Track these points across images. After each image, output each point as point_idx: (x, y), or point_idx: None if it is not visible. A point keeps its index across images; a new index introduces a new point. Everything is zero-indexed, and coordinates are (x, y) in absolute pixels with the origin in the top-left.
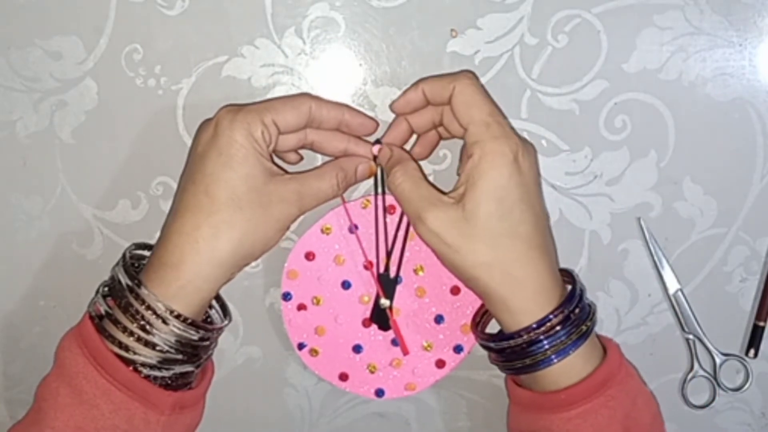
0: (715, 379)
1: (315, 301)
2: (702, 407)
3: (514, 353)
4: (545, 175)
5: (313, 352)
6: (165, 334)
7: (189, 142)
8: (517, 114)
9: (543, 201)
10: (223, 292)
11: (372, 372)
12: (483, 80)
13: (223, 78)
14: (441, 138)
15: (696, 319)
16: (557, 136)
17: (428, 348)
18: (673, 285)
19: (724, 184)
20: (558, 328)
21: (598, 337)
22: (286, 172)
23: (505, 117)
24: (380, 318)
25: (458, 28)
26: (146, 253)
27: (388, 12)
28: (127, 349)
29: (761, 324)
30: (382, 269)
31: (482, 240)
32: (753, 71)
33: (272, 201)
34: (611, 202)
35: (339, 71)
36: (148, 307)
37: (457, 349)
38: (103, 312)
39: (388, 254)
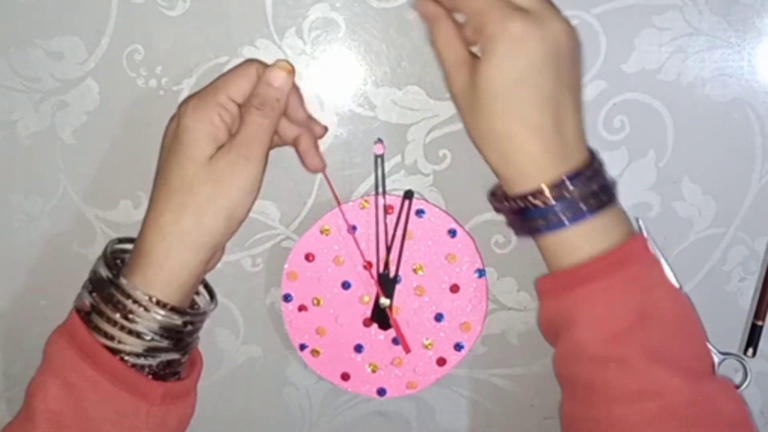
0: None
1: (315, 302)
2: None
3: (533, 211)
4: None
5: (315, 353)
6: (148, 322)
7: None
8: None
9: (562, 67)
10: (223, 292)
11: (373, 371)
12: None
13: None
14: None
15: None
16: None
17: (429, 346)
18: None
19: (723, 184)
20: (576, 189)
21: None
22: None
23: None
24: (381, 317)
25: None
26: (129, 246)
27: (388, 12)
28: (112, 338)
29: (760, 323)
30: (381, 269)
31: (501, 105)
32: (752, 72)
33: (221, 171)
34: None
35: (339, 72)
36: (129, 296)
37: (458, 346)
38: (88, 305)
39: (388, 254)
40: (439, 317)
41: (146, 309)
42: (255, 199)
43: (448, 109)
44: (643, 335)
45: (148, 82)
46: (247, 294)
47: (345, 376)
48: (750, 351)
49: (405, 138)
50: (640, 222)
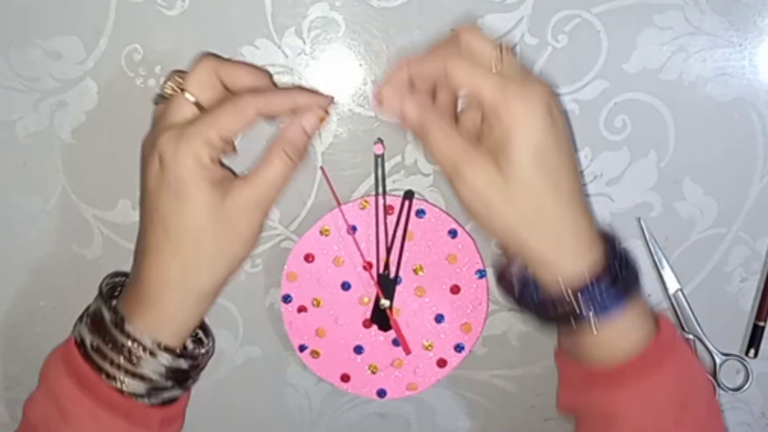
0: (715, 379)
1: (315, 302)
2: None
3: (554, 307)
4: None
5: (315, 354)
6: (154, 365)
7: None
8: None
9: (575, 147)
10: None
11: (373, 372)
12: None
13: None
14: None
15: (696, 319)
16: None
17: (429, 347)
18: (673, 285)
19: (724, 184)
20: (603, 282)
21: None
22: (234, 173)
23: (516, 57)
24: (381, 318)
25: (458, 28)
26: (119, 279)
27: (388, 12)
28: (114, 379)
29: (761, 324)
30: (381, 270)
31: (525, 200)
32: (753, 71)
33: (232, 219)
34: (611, 202)
35: (339, 71)
36: (135, 340)
37: (459, 348)
38: (88, 343)
39: (388, 254)
40: (439, 318)
41: (153, 354)
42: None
43: None
44: (686, 424)
45: (147, 81)
46: (247, 295)
47: (345, 378)
48: (751, 352)
49: (405, 138)
50: (641, 222)
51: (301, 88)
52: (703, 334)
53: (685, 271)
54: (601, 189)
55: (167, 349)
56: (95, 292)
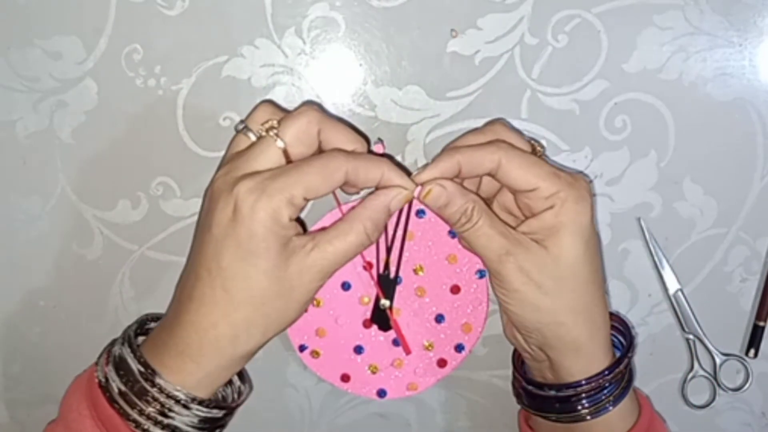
0: (715, 379)
1: (315, 302)
2: (702, 407)
3: (567, 401)
4: None
5: (315, 354)
6: (186, 417)
7: (189, 142)
8: (517, 114)
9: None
10: None
11: (374, 373)
12: (483, 80)
13: (223, 78)
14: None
15: (696, 319)
16: (557, 136)
17: (429, 348)
18: (673, 285)
19: (725, 184)
20: (622, 375)
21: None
22: (304, 227)
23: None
24: (381, 318)
25: (458, 28)
26: (150, 325)
27: (388, 12)
28: (142, 428)
29: (761, 324)
30: (381, 270)
31: (572, 284)
32: (753, 71)
33: (294, 285)
34: (611, 202)
35: (339, 71)
36: (168, 395)
37: (459, 348)
38: (115, 389)
39: (388, 254)
40: (439, 318)
41: (186, 407)
42: None
43: (448, 109)
44: None
45: (146, 81)
46: None
47: (345, 378)
48: (751, 352)
49: (405, 138)
50: (641, 222)
51: (390, 160)
52: (703, 334)
53: (685, 271)
54: (601, 189)
55: (201, 402)
56: (95, 292)
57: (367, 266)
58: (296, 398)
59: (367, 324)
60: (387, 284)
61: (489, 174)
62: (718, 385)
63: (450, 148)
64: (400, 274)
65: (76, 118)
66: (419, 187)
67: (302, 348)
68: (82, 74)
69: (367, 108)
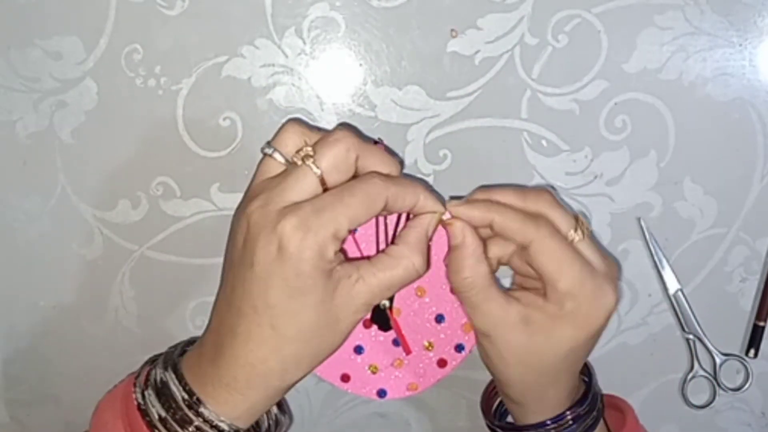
0: (715, 379)
1: None
2: (702, 407)
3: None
4: (545, 176)
5: None
6: None
7: (189, 142)
8: (517, 114)
9: None
10: None
11: (374, 373)
12: (483, 80)
13: (223, 78)
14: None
15: (696, 319)
16: (557, 136)
17: (429, 347)
18: (673, 285)
19: (725, 184)
20: (570, 423)
21: (615, 400)
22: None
23: (591, 234)
24: (380, 318)
25: (458, 28)
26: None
27: (388, 12)
28: None
29: (761, 324)
30: None
31: (540, 370)
32: (753, 71)
33: (340, 317)
34: (611, 202)
35: (339, 71)
36: (212, 425)
37: (459, 348)
38: (155, 414)
39: None
40: (439, 318)
41: None
42: None
43: (448, 109)
44: None
45: (147, 81)
46: None
47: (345, 378)
48: (751, 352)
49: (405, 138)
50: (641, 222)
51: (423, 184)
52: (703, 334)
53: (685, 271)
54: (601, 189)
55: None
56: (95, 292)
57: None
58: (296, 398)
59: (367, 324)
60: None
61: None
62: (718, 385)
63: (490, 200)
64: None
65: (76, 118)
66: (448, 213)
67: None
68: (82, 74)
69: (367, 108)
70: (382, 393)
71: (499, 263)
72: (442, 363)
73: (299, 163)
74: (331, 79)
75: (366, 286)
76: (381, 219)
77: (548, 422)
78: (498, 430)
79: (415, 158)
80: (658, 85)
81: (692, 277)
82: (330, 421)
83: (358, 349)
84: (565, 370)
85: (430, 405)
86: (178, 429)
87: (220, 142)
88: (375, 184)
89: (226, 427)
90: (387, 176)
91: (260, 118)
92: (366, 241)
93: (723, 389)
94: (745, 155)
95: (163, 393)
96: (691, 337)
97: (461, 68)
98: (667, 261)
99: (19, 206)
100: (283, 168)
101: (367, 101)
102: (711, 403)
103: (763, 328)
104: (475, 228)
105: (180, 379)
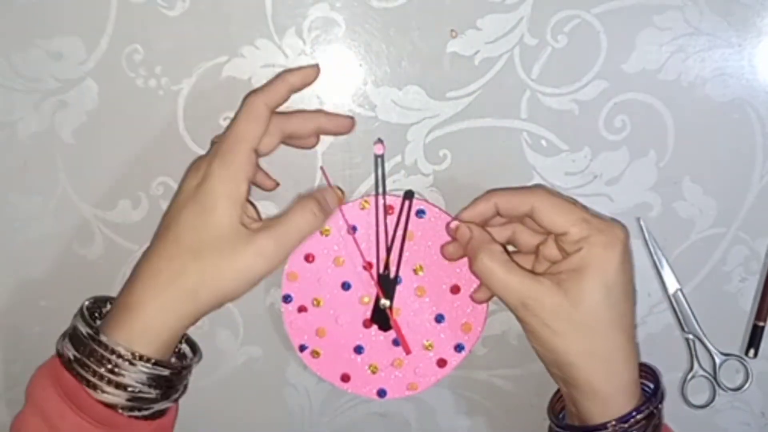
0: (715, 378)
1: (315, 302)
2: (702, 407)
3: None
4: (545, 176)
5: (315, 354)
6: (135, 374)
7: (189, 142)
8: (517, 114)
9: (635, 289)
10: None
11: (374, 372)
12: (483, 80)
13: (224, 78)
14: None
15: (696, 319)
16: (557, 136)
17: (429, 347)
18: (672, 285)
19: (724, 184)
20: (640, 424)
21: None
22: (260, 218)
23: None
24: (381, 318)
25: (458, 29)
26: (103, 302)
27: (388, 12)
28: (97, 389)
29: (761, 324)
30: (381, 270)
31: (588, 328)
32: (752, 71)
33: (237, 252)
34: (611, 202)
35: (339, 71)
36: (112, 351)
37: (458, 347)
38: (71, 357)
39: (388, 254)
40: (439, 318)
41: (131, 363)
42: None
43: (448, 109)
44: None
45: (147, 82)
46: (247, 295)
47: (345, 378)
48: (751, 352)
49: (405, 138)
50: (641, 222)
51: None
52: (703, 334)
53: (685, 271)
54: (601, 189)
55: (142, 358)
56: (95, 292)
57: (367, 266)
58: (296, 398)
59: (367, 324)
60: (387, 284)
61: (527, 216)
62: (718, 385)
63: (490, 191)
64: (400, 274)
65: (77, 119)
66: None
67: (302, 348)
68: (82, 74)
69: (367, 108)
70: (382, 393)
71: (508, 242)
72: (442, 363)
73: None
74: (331, 79)
75: (267, 238)
76: (381, 219)
77: (621, 418)
78: (563, 429)
79: (415, 158)
80: (657, 85)
81: (691, 276)
82: (330, 421)
83: (358, 349)
84: (614, 326)
85: (431, 404)
86: (89, 363)
87: None
88: (246, 104)
89: (123, 351)
90: (260, 89)
91: None
92: (366, 241)
93: (723, 389)
94: (744, 155)
95: (74, 336)
96: (690, 336)
97: (461, 68)
98: (667, 261)
99: (19, 206)
100: None
101: (367, 101)
102: (711, 402)
103: (762, 328)
104: (482, 225)
105: (84, 318)
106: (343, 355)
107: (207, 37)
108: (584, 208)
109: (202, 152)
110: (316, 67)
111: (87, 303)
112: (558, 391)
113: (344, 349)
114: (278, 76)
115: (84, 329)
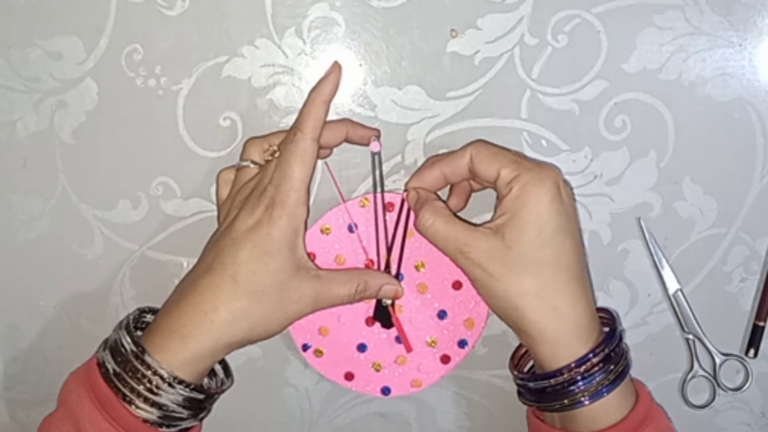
0: (715, 379)
1: None
2: (702, 407)
3: (554, 392)
4: None
5: (318, 353)
6: (172, 395)
7: (189, 142)
8: (517, 114)
9: (581, 233)
10: None
11: (377, 370)
12: (483, 80)
13: (224, 78)
14: (473, 190)
15: (696, 319)
16: (557, 136)
17: (432, 344)
18: (672, 285)
19: (724, 184)
20: (597, 367)
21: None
22: (314, 261)
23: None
24: (383, 316)
25: (458, 28)
26: (149, 317)
27: (388, 12)
28: (132, 404)
29: (761, 324)
30: (383, 267)
31: (525, 268)
32: (753, 71)
33: (291, 298)
34: (611, 202)
35: None
36: (155, 373)
37: (462, 343)
38: (111, 369)
39: (389, 252)
40: (442, 314)
41: (170, 386)
42: None
43: (448, 109)
44: None
45: (147, 81)
46: None
47: (349, 376)
48: (751, 352)
49: (405, 138)
50: (641, 222)
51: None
52: (703, 334)
53: (685, 271)
54: (601, 189)
55: (182, 383)
56: (95, 292)
57: (369, 264)
58: (296, 398)
59: (369, 322)
60: None
61: (472, 174)
62: (718, 385)
63: (430, 157)
64: (402, 271)
65: (76, 118)
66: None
67: (305, 347)
68: (82, 74)
69: (367, 108)
70: (386, 390)
71: (466, 179)
72: (445, 359)
73: (269, 158)
74: None
75: (317, 285)
76: (381, 217)
77: (573, 364)
78: (523, 381)
79: (415, 158)
80: (657, 85)
81: (692, 277)
82: (330, 421)
83: (362, 347)
84: (551, 264)
85: (431, 405)
86: (129, 380)
87: (220, 142)
88: (297, 143)
89: (165, 374)
90: (304, 121)
91: (260, 118)
92: (367, 239)
93: (723, 389)
94: (744, 155)
95: (116, 349)
96: (690, 337)
97: (461, 68)
98: (667, 261)
99: (19, 206)
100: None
101: (367, 101)
102: (711, 403)
103: (762, 328)
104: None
105: (130, 334)
106: (346, 354)
107: (207, 36)
108: (519, 153)
109: (202, 152)
110: (336, 65)
111: (132, 316)
112: (520, 344)
113: (347, 348)
114: (310, 98)
115: (129, 345)
